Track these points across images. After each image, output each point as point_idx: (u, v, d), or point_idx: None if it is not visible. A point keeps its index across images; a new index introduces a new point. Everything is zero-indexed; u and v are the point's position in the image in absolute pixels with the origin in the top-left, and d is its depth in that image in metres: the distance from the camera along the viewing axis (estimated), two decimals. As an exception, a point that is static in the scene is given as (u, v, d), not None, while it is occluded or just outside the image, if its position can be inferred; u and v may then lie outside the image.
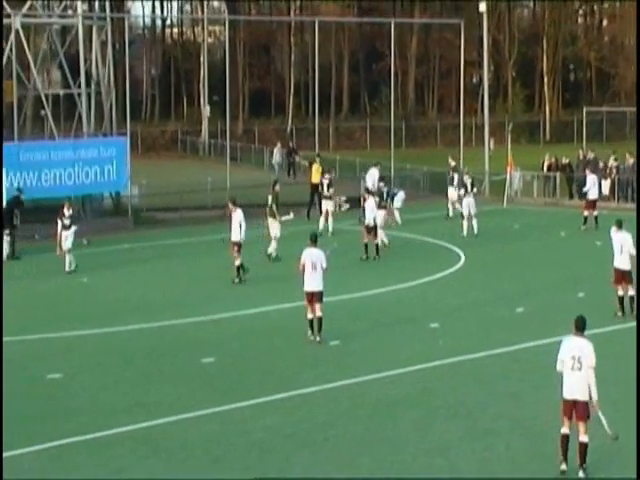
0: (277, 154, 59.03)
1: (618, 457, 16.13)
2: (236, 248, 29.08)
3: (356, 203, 41.76)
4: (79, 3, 47.25)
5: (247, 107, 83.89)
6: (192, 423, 17.80)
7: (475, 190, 37.74)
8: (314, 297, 22.75)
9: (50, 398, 19.19)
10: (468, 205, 36.67)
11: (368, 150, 71.14)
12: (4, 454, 16.12)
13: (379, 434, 17.13)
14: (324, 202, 37.74)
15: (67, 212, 31.03)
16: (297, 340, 23.22)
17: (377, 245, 32.68)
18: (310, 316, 22.92)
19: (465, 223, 36.56)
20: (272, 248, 32.21)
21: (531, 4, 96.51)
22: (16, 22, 41.59)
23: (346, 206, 44.31)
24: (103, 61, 44.83)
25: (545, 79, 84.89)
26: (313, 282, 22.71)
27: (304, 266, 22.77)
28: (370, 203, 33.06)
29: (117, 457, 16.23)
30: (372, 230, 32.47)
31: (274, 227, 32.55)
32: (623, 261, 24.31)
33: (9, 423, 17.61)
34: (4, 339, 21.62)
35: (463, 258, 32.68)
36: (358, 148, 72.62)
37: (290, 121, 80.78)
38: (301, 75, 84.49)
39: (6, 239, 32.84)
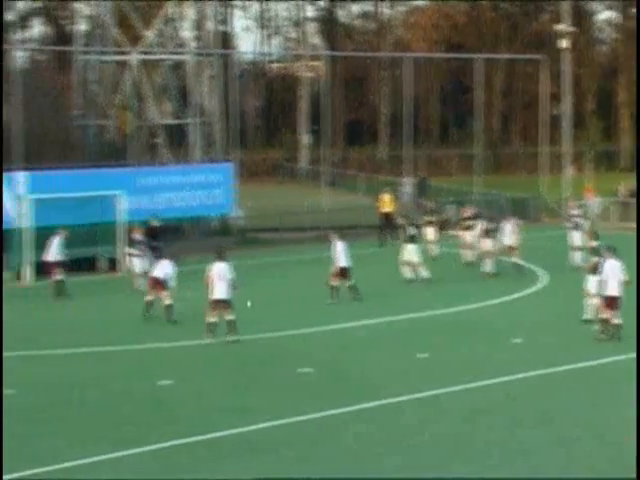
0: (407, 185, 56.62)
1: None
2: (337, 272, 28.88)
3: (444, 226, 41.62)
4: (190, 41, 47.85)
5: (343, 136, 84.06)
6: (288, 428, 17.75)
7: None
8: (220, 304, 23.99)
9: (159, 403, 19.29)
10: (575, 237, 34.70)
11: (456, 177, 70.75)
12: (117, 454, 16.26)
13: (466, 440, 16.91)
14: (428, 229, 36.89)
15: (137, 237, 30.96)
16: (388, 352, 23.16)
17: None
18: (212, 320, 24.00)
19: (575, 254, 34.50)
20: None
21: (609, 39, 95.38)
22: (134, 58, 42.16)
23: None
24: (211, 93, 45.27)
25: (622, 110, 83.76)
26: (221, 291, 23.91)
27: (211, 278, 23.99)
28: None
29: (219, 458, 16.23)
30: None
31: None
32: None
33: (122, 426, 17.80)
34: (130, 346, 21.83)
35: (547, 278, 32.29)
36: (446, 175, 72.27)
37: (383, 149, 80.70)
38: (393, 106, 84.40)
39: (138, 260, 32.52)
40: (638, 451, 15.25)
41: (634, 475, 14.89)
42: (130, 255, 31.33)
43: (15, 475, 15.30)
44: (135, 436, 17.16)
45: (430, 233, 36.39)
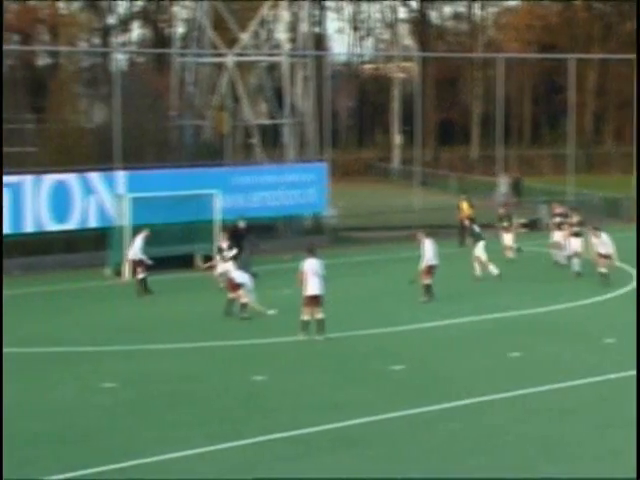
0: (503, 184, 55.84)
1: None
2: (426, 270, 28.96)
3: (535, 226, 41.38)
4: (285, 43, 48.19)
5: (434, 136, 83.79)
6: (381, 424, 17.86)
7: None
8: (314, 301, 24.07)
9: (254, 398, 19.54)
10: None
11: (548, 176, 70.03)
12: (212, 447, 16.51)
13: (555, 439, 16.84)
14: (505, 235, 36.53)
15: (224, 244, 31.22)
16: (478, 351, 23.13)
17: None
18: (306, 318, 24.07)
19: None
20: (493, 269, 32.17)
21: None
22: (229, 60, 42.59)
23: (523, 230, 43.67)
24: (305, 94, 45.54)
25: None
26: (315, 287, 24.01)
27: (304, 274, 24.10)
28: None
29: (313, 453, 16.40)
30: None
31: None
32: None
33: (217, 420, 18.07)
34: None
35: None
36: (538, 174, 71.56)
37: (475, 149, 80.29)
38: (485, 106, 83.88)
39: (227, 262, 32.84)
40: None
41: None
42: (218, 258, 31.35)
43: (114, 466, 15.67)
44: (230, 430, 17.43)
45: (507, 239, 35.97)
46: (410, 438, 17.14)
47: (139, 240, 31.25)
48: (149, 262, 30.87)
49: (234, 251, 30.64)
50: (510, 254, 35.53)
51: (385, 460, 16.08)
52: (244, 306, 26.79)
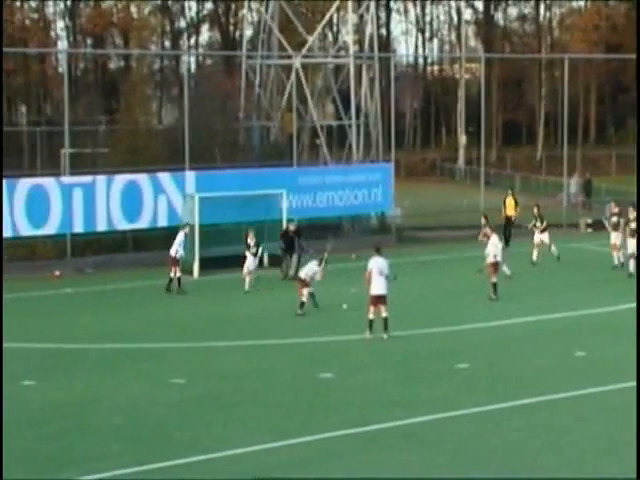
0: (573, 184, 54.29)
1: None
2: (492, 268, 28.83)
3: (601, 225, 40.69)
4: (351, 45, 48.17)
5: (500, 136, 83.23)
6: (447, 422, 17.76)
7: None
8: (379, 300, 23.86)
9: (320, 394, 19.53)
10: None
11: (613, 176, 69.22)
12: (279, 443, 16.52)
13: (621, 438, 16.62)
14: (536, 234, 35.76)
15: (251, 241, 31.29)
16: (544, 350, 22.92)
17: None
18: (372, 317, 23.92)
19: None
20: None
21: None
22: (297, 62, 42.70)
23: (589, 230, 43.18)
24: (371, 95, 45.49)
25: None
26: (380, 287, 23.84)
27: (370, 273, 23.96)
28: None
29: (379, 450, 16.35)
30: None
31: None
32: None
33: (285, 416, 18.09)
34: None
35: None
36: (603, 174, 70.74)
37: (540, 149, 79.62)
38: (550, 106, 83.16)
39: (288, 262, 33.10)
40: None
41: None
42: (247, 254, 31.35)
43: (182, 461, 15.75)
44: (297, 427, 17.44)
45: (537, 238, 35.35)
46: (475, 436, 17.02)
47: (180, 236, 31.30)
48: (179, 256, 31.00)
49: (260, 248, 30.87)
50: (535, 256, 34.69)
51: (451, 458, 15.98)
52: (302, 305, 26.92)
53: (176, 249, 30.99)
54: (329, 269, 28.48)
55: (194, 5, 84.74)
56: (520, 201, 41.28)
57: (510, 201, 40.55)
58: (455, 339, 24.38)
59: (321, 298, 27.43)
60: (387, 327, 24.07)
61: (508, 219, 40.07)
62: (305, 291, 27.09)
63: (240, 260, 31.57)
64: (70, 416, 18.11)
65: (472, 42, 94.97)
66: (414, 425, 17.55)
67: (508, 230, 39.85)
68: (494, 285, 28.70)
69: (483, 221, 33.63)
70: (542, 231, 35.31)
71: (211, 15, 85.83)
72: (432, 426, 17.53)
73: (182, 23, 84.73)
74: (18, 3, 76.32)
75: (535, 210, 35.80)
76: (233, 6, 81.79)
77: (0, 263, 31.58)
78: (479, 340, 24.24)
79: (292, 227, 33.59)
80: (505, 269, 31.58)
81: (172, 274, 30.69)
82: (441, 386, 20.05)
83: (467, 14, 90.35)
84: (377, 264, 24.24)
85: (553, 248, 34.94)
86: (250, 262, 31.04)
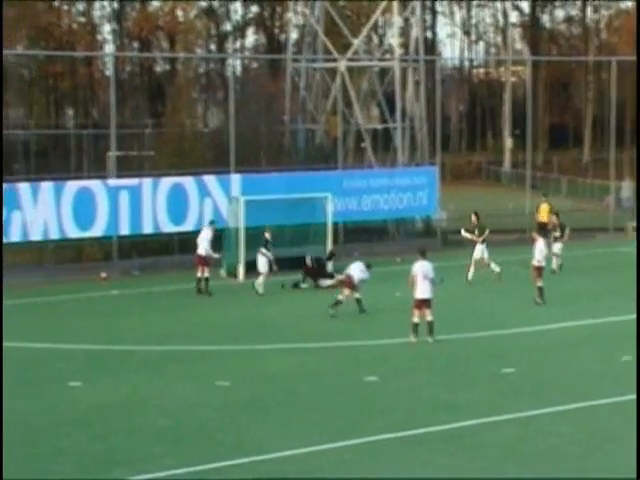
0: (626, 188, 53.56)
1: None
2: (537, 272, 28.74)
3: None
4: (396, 48, 48.11)
5: (546, 139, 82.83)
6: (492, 426, 17.71)
7: None
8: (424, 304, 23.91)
9: (367, 398, 19.54)
10: None
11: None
12: (330, 445, 16.54)
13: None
14: (554, 244, 34.67)
15: (267, 237, 31.27)
16: (590, 355, 22.79)
17: None
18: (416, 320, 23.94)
19: None
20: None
21: None
22: (342, 65, 42.74)
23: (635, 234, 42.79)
24: (416, 98, 45.43)
25: None
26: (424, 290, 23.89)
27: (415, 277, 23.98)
28: None
29: (424, 453, 16.34)
30: None
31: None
32: None
33: (330, 419, 18.11)
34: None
35: None
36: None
37: (587, 152, 79.12)
38: (598, 109, 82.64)
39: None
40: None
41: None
42: (261, 254, 31.35)
43: (229, 463, 15.82)
44: (344, 429, 17.46)
45: (556, 248, 34.46)
46: (522, 441, 16.96)
47: (208, 235, 31.25)
48: (215, 256, 31.08)
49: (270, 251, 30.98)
50: (555, 264, 34.25)
51: (496, 462, 15.93)
52: (337, 303, 26.97)
53: (205, 248, 31.02)
54: (376, 272, 28.55)
55: (240, 8, 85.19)
56: (568, 205, 40.99)
57: (545, 207, 40.20)
58: (501, 343, 24.30)
59: (365, 301, 27.44)
60: (432, 331, 24.03)
61: (542, 225, 39.70)
62: (347, 292, 27.06)
63: (287, 263, 31.75)
64: (116, 417, 18.26)
65: (518, 45, 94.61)
66: (459, 429, 17.52)
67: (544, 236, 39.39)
68: (540, 289, 28.61)
69: (473, 218, 33.72)
70: (482, 242, 33.42)
71: (257, 18, 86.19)
72: (477, 430, 17.49)
73: (228, 26, 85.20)
74: (66, 7, 77.09)
75: (473, 218, 34.48)
76: (279, 9, 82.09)
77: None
78: (525, 344, 24.15)
79: (308, 260, 33.09)
80: (494, 266, 32.00)
81: (200, 274, 30.72)
82: (486, 390, 20.00)
83: (513, 16, 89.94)
84: (422, 268, 24.21)
85: (493, 265, 33.08)
86: (263, 261, 30.96)
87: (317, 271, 32.34)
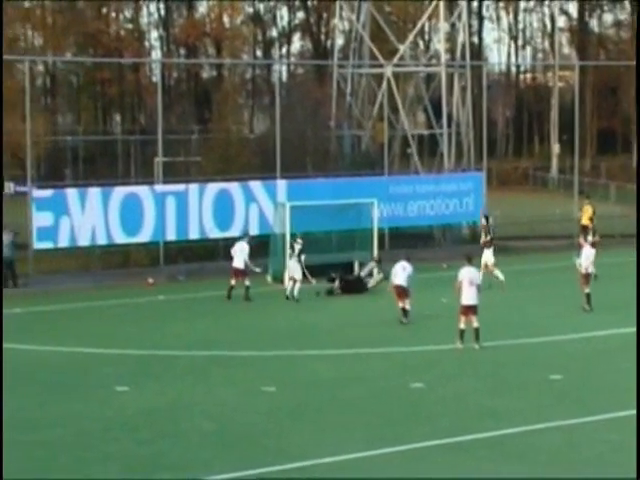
0: None
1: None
2: (584, 279, 28.60)
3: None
4: (442, 53, 48.07)
5: (594, 144, 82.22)
6: (538, 433, 17.60)
7: None
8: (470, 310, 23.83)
9: (413, 405, 19.52)
10: None
11: None
12: (376, 451, 16.53)
13: None
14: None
15: (296, 246, 31.23)
16: (635, 362, 22.56)
17: None
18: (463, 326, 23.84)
19: None
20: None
21: None
22: (388, 71, 42.74)
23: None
24: (463, 104, 45.35)
25: None
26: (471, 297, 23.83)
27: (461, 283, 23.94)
28: None
29: (471, 460, 16.29)
30: None
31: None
32: None
33: (376, 425, 18.10)
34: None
35: None
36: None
37: (636, 157, 78.41)
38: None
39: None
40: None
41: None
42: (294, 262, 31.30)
43: (275, 468, 15.85)
44: (390, 435, 17.45)
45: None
46: (568, 448, 16.86)
47: (245, 247, 31.13)
48: (257, 270, 31.08)
49: (302, 257, 30.78)
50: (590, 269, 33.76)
51: (542, 469, 15.85)
52: (406, 312, 26.99)
53: (245, 261, 30.90)
54: (422, 278, 28.52)
55: (286, 14, 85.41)
56: (617, 211, 40.68)
57: (587, 209, 39.96)
58: (548, 350, 24.17)
59: (411, 307, 27.39)
60: (478, 337, 23.96)
61: (584, 228, 39.46)
62: (408, 301, 27.05)
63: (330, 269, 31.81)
64: (162, 422, 18.37)
65: (566, 49, 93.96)
66: (506, 436, 17.45)
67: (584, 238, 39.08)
68: (588, 296, 28.44)
69: (483, 221, 33.51)
70: (489, 246, 32.82)
71: (303, 24, 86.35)
72: (523, 437, 17.41)
73: (274, 32, 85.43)
74: (114, 14, 77.72)
75: (483, 222, 34.38)
76: (324, 15, 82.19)
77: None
78: (572, 351, 24.00)
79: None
80: (497, 273, 31.66)
81: (233, 282, 30.76)
82: (534, 397, 19.90)
83: (561, 21, 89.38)
84: (468, 274, 24.16)
85: (497, 272, 32.12)
86: (295, 269, 30.95)
87: (347, 284, 32.17)
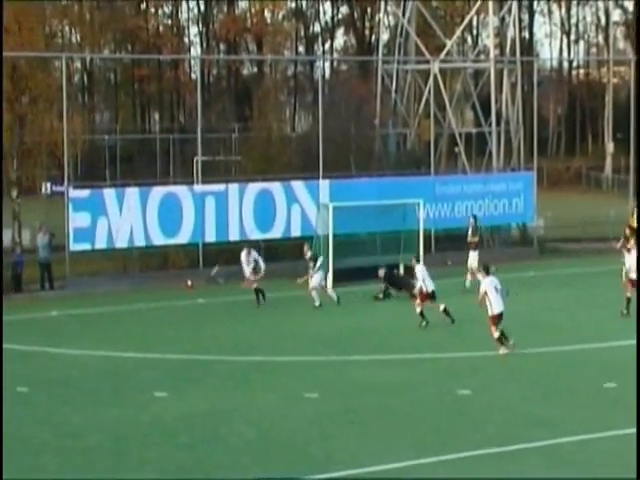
0: None
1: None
2: (630, 284, 28.43)
3: None
4: (492, 49, 47.94)
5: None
6: (594, 443, 17.52)
7: None
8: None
9: (460, 412, 19.50)
10: None
11: None
12: (425, 460, 16.56)
13: None
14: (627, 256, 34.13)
15: (308, 253, 31.12)
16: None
17: None
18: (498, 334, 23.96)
19: None
20: None
21: None
22: (434, 67, 42.70)
23: None
24: (512, 101, 45.16)
25: None
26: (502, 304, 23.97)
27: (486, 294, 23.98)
28: None
29: (522, 470, 16.23)
30: None
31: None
32: None
33: (423, 433, 18.10)
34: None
35: None
36: None
37: (635, 157, 77.77)
38: None
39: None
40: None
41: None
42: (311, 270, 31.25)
43: (320, 476, 15.91)
44: (438, 443, 17.45)
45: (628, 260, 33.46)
46: (624, 459, 16.74)
47: (255, 256, 31.22)
48: (252, 278, 30.97)
49: (318, 262, 30.69)
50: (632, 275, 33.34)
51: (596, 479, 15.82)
52: (447, 312, 27.14)
53: (251, 269, 31.03)
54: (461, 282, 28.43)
55: (329, 9, 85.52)
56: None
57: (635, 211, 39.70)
58: (601, 356, 24.04)
59: (455, 312, 27.39)
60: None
61: (633, 229, 39.13)
62: (442, 306, 27.21)
63: (373, 272, 31.80)
64: (202, 428, 18.49)
65: (621, 44, 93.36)
66: (560, 445, 17.38)
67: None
68: (628, 300, 28.28)
69: (471, 220, 33.65)
70: (474, 248, 33.14)
71: (346, 19, 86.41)
72: (579, 447, 17.33)
73: (317, 28, 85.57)
74: (152, 10, 78.23)
75: (471, 221, 34.20)
76: (369, 10, 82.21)
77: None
78: (628, 358, 23.81)
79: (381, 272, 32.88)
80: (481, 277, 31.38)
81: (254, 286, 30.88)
82: (585, 405, 19.80)
83: (616, 15, 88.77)
84: (492, 283, 24.23)
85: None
86: (315, 278, 30.83)
87: (391, 281, 32.16)
